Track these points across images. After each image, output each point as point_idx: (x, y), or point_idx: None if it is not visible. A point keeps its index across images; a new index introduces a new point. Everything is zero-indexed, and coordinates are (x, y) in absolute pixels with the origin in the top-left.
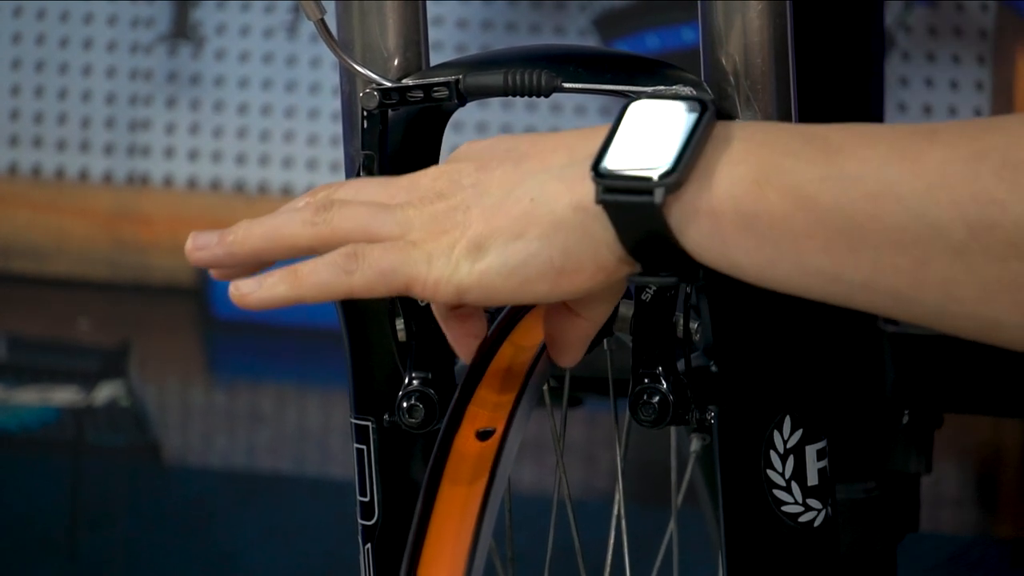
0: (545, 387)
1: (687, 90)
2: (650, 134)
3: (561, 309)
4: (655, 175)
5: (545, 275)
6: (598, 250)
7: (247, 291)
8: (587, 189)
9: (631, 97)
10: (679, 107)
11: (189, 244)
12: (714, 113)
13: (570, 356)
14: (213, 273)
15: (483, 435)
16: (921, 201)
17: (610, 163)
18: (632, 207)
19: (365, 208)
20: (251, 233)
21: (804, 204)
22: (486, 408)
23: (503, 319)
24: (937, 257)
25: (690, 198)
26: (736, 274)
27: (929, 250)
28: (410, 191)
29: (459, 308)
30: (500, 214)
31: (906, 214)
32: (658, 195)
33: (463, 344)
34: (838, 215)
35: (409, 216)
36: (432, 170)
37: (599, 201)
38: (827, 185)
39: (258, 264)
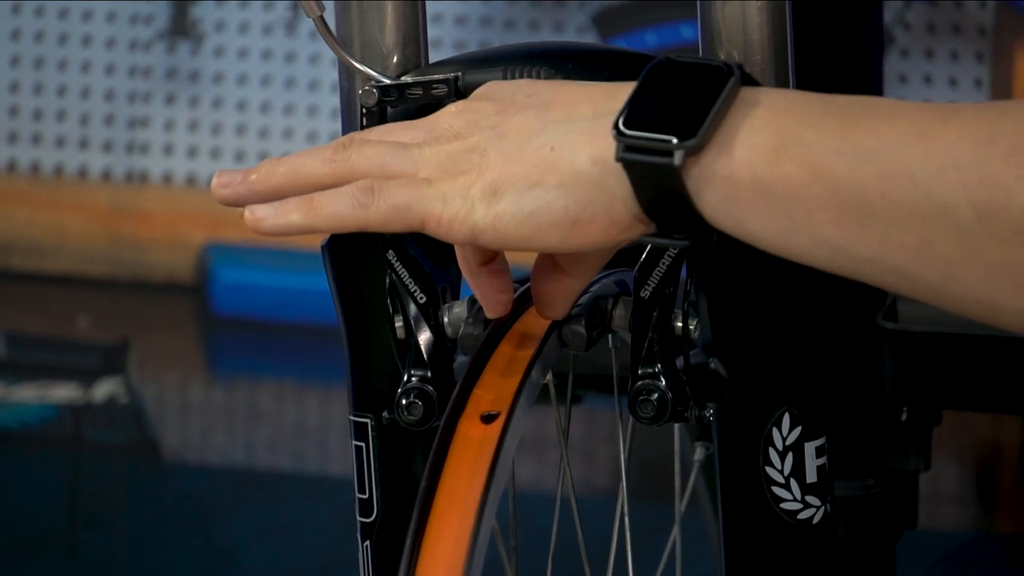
0: (548, 380)
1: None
2: (674, 95)
3: (549, 266)
4: (676, 138)
5: (559, 224)
6: (614, 205)
7: (262, 215)
8: (608, 144)
9: (658, 56)
10: (704, 69)
11: (215, 181)
12: (739, 79)
13: (556, 311)
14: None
15: (488, 418)
16: (931, 181)
17: (632, 121)
18: (651, 168)
19: (383, 146)
20: (274, 171)
21: (819, 176)
22: (490, 392)
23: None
24: (943, 237)
25: (709, 162)
26: (749, 240)
27: (935, 230)
28: (429, 131)
29: (488, 263)
30: (518, 160)
31: (916, 193)
32: (677, 158)
33: (491, 299)
34: (850, 189)
35: (425, 154)
36: (452, 107)
37: (619, 159)
38: (842, 159)
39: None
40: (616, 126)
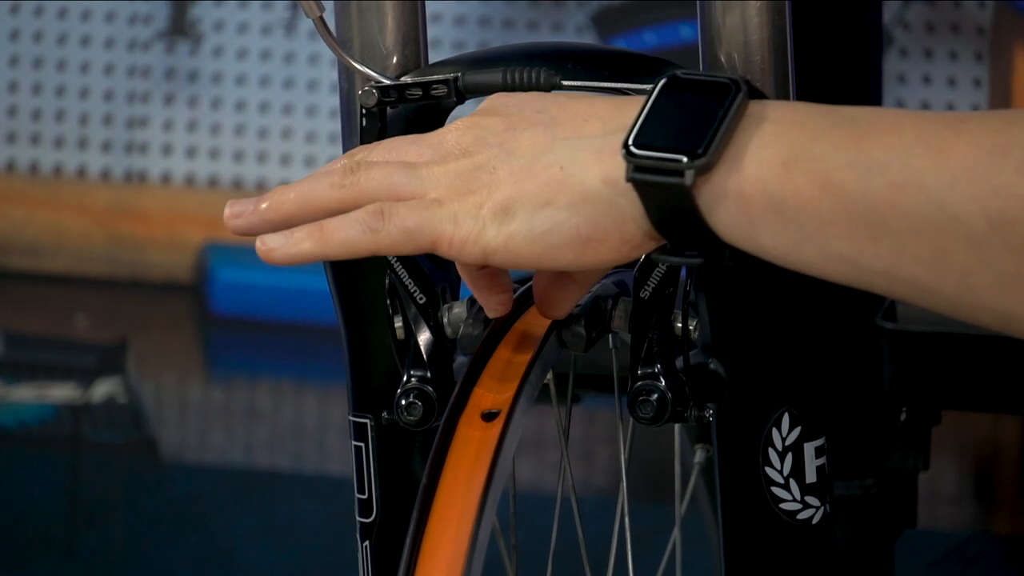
0: (549, 379)
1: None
2: (682, 112)
3: (552, 271)
4: (686, 157)
5: (571, 244)
6: (625, 224)
7: (274, 246)
8: (618, 163)
9: (665, 71)
10: (712, 86)
11: (227, 211)
12: (746, 93)
13: (558, 312)
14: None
15: (488, 416)
16: (943, 192)
17: (641, 140)
18: (661, 187)
19: (391, 168)
20: (284, 199)
21: (830, 189)
22: (491, 391)
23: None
24: (957, 248)
25: (719, 179)
26: (762, 255)
27: (949, 241)
28: (436, 148)
29: (487, 266)
30: (529, 178)
31: (928, 204)
32: (688, 177)
33: (491, 300)
34: (862, 202)
35: (434, 173)
36: (460, 124)
37: (629, 179)
38: (853, 172)
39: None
40: (625, 146)
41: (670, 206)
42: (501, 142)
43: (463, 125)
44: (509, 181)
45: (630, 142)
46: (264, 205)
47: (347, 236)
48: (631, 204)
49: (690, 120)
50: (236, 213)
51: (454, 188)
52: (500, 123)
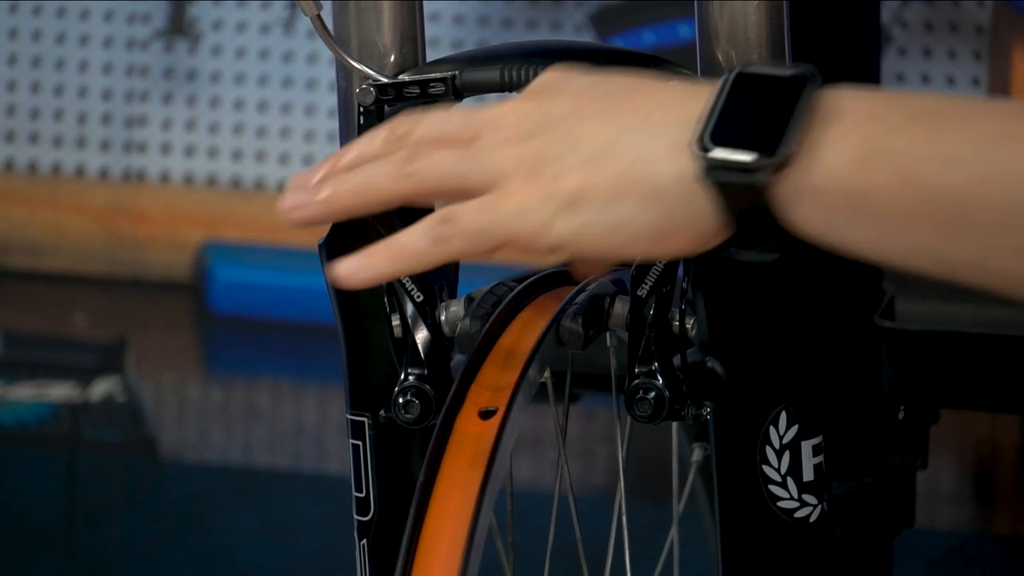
0: (547, 377)
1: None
2: (755, 107)
3: None
4: (761, 155)
5: (645, 237)
6: (699, 220)
7: (354, 271)
8: (690, 159)
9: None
10: (783, 79)
11: (285, 204)
12: (817, 85)
13: (591, 274)
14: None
15: (485, 414)
16: None
17: (714, 137)
18: (736, 186)
19: (452, 155)
20: (342, 191)
21: (910, 184)
22: (488, 388)
23: (509, 301)
24: None
25: (795, 176)
26: (842, 251)
27: None
28: (496, 130)
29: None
30: (598, 169)
31: (1011, 197)
32: (763, 175)
33: None
34: (945, 196)
35: (498, 159)
36: (518, 106)
37: (703, 178)
38: (933, 165)
39: (351, 219)
40: (699, 143)
41: (745, 203)
42: (566, 129)
43: (523, 108)
44: (577, 170)
45: (704, 139)
46: (322, 196)
47: (419, 249)
48: (705, 201)
49: (763, 116)
50: (293, 206)
51: (519, 176)
52: (563, 107)
